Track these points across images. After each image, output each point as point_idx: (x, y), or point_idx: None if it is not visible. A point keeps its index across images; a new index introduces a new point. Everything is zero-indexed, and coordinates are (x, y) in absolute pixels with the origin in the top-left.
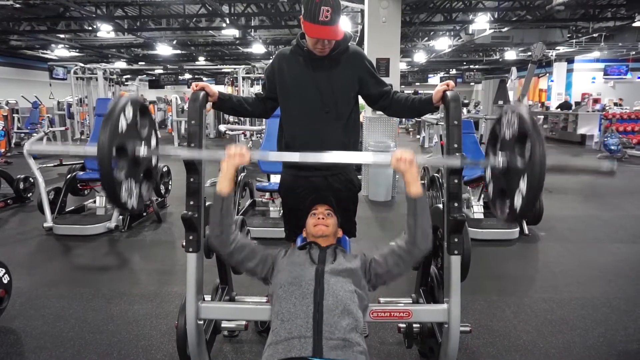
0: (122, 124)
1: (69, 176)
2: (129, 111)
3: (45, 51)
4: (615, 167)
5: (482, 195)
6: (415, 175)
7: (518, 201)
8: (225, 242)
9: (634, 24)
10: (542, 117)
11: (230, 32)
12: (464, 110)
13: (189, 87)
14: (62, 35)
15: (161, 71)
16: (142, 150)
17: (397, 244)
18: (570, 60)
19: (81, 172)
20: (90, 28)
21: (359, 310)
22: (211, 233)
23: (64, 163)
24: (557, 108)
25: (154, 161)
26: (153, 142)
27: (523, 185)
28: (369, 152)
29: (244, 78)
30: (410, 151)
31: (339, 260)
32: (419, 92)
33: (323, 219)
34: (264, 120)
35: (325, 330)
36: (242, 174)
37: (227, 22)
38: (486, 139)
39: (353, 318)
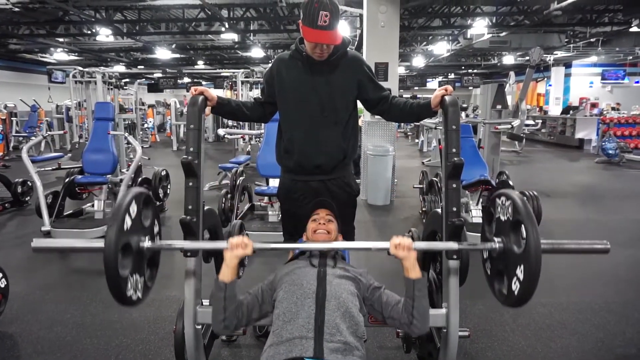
0: (127, 222)
1: (67, 180)
2: (134, 208)
3: (44, 55)
4: (608, 246)
5: (481, 200)
6: (414, 261)
7: (516, 288)
8: (229, 327)
9: (631, 29)
10: (540, 121)
11: (229, 37)
12: (463, 114)
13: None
14: (61, 39)
15: (160, 75)
16: (146, 243)
17: (398, 312)
18: (568, 65)
19: (79, 176)
20: (89, 32)
21: (360, 314)
22: (214, 320)
23: (62, 167)
24: (562, 112)
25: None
26: (156, 229)
27: (520, 273)
28: (367, 242)
29: (242, 82)
30: (408, 239)
31: (340, 267)
32: (418, 96)
33: (324, 224)
34: (262, 124)
35: (327, 332)
36: (241, 178)
37: (226, 26)
38: (485, 144)
39: (354, 321)
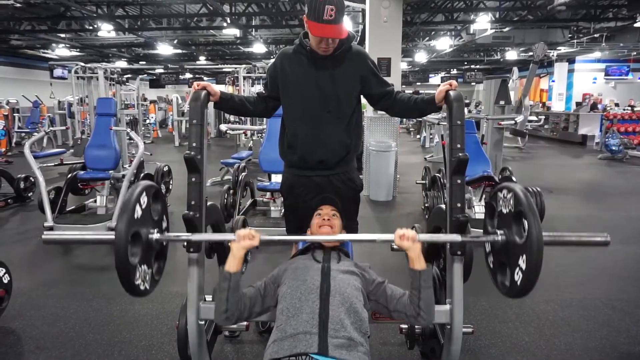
0: (138, 211)
1: (69, 175)
2: (144, 199)
3: (46, 51)
4: (608, 239)
5: (484, 196)
6: (419, 252)
7: (518, 278)
8: (230, 318)
9: (635, 25)
10: (543, 117)
11: (231, 32)
12: (465, 110)
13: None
14: (62, 35)
15: (162, 71)
16: (155, 235)
17: (405, 304)
18: (571, 61)
19: (82, 172)
20: (91, 27)
21: (364, 310)
22: (216, 310)
23: (64, 162)
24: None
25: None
26: (164, 224)
27: (522, 263)
28: (371, 234)
29: (244, 77)
30: (412, 230)
31: (344, 262)
32: (420, 92)
33: (328, 219)
34: (264, 119)
35: (331, 328)
36: (243, 174)
37: (228, 21)
38: (488, 140)
39: (358, 317)
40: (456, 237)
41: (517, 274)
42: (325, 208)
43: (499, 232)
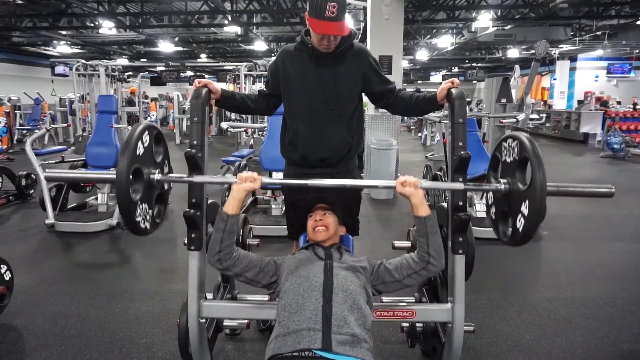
0: (140, 148)
1: None
2: (146, 137)
3: (47, 48)
4: (613, 190)
5: (485, 194)
6: (422, 197)
7: (520, 225)
8: (221, 261)
9: (638, 22)
10: (544, 115)
11: (232, 29)
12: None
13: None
14: (64, 32)
15: (163, 68)
16: (156, 175)
17: (412, 258)
18: (573, 59)
19: (83, 169)
20: (92, 25)
21: (367, 306)
22: (210, 251)
23: (65, 160)
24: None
25: (166, 185)
26: (166, 169)
27: (525, 209)
28: (374, 180)
29: (245, 75)
30: (413, 177)
31: (345, 258)
32: (421, 90)
33: (321, 219)
34: (265, 117)
35: (334, 324)
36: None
37: (229, 19)
38: (489, 138)
39: (361, 313)
40: (459, 185)
41: (520, 220)
42: (317, 208)
43: (502, 180)
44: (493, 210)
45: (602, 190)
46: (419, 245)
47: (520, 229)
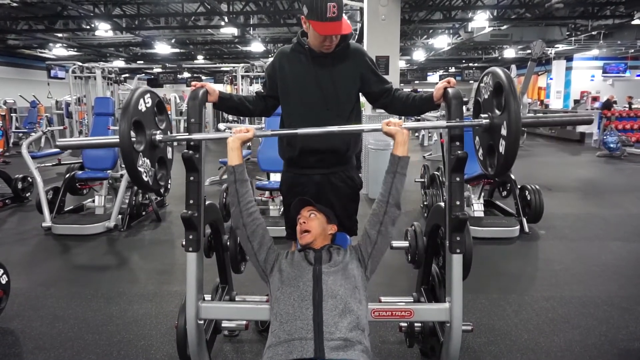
0: (142, 105)
1: (67, 175)
2: (148, 98)
3: (43, 50)
4: (593, 116)
5: (483, 194)
6: (406, 137)
7: (502, 147)
8: (243, 212)
9: (633, 22)
10: (541, 114)
11: (229, 31)
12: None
13: (188, 86)
14: (60, 34)
15: (160, 70)
16: (158, 135)
17: (373, 209)
18: (569, 58)
19: (80, 172)
20: (88, 27)
21: (361, 305)
22: (231, 206)
23: (62, 162)
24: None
25: (169, 154)
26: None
27: (504, 130)
28: (360, 125)
29: (243, 76)
30: (397, 119)
31: (335, 259)
32: (418, 90)
33: (305, 222)
34: (263, 118)
35: (326, 332)
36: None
37: (226, 20)
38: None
39: (354, 316)
40: (441, 123)
41: (501, 145)
42: (302, 211)
43: (483, 116)
44: (481, 151)
45: (582, 118)
46: (383, 183)
47: (503, 152)
